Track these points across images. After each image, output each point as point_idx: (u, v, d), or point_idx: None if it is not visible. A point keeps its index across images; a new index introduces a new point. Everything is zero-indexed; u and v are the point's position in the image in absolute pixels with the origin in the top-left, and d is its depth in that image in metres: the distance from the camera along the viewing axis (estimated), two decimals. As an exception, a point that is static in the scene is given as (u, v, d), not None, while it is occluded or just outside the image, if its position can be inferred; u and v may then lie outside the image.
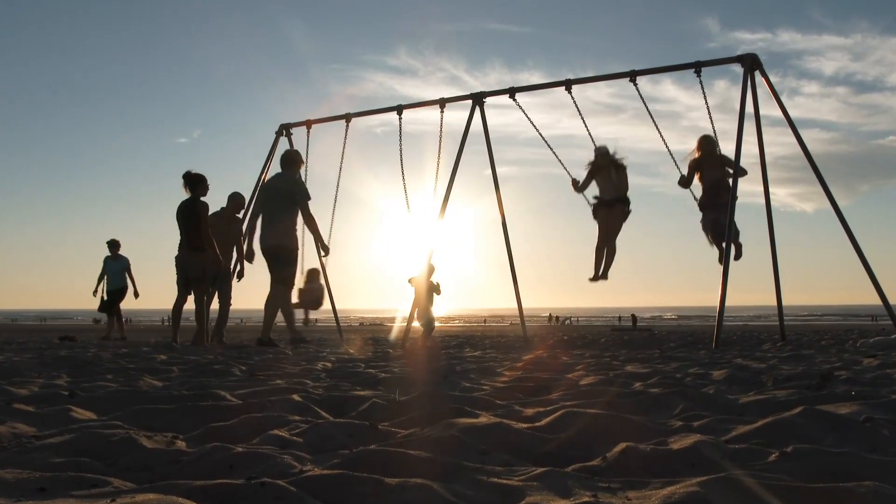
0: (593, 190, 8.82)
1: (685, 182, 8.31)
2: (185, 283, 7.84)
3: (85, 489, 1.43)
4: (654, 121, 8.31)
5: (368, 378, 3.67)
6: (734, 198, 7.46)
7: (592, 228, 8.73)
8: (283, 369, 4.29)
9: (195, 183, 7.80)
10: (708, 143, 8.19)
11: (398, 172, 9.36)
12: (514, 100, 8.74)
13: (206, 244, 7.72)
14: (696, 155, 8.27)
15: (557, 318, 50.03)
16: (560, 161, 8.80)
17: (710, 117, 8.06)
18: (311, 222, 7.88)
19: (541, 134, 8.60)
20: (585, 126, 8.56)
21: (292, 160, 8.05)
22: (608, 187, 8.66)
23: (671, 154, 8.28)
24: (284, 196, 7.75)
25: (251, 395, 2.91)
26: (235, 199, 9.01)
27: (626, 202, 8.64)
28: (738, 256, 7.77)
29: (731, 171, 7.78)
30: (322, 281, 10.34)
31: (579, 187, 8.82)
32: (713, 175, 8.13)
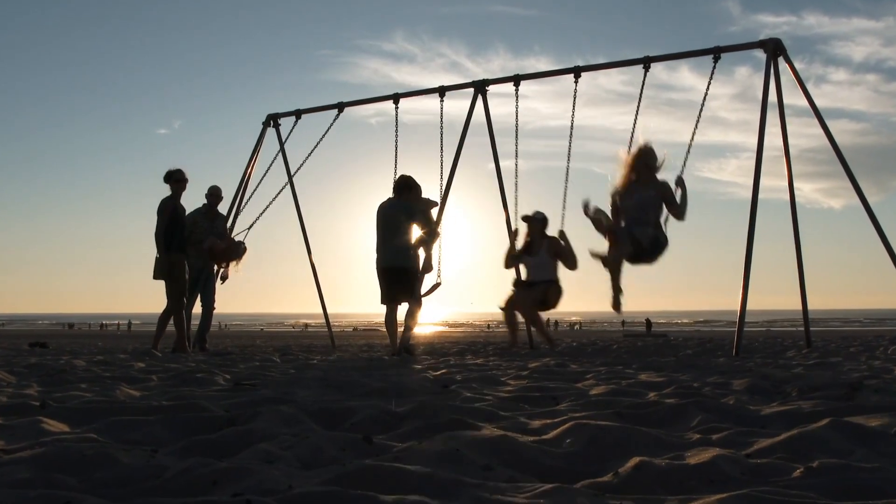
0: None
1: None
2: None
3: (57, 507, 1.43)
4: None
5: (363, 387, 3.67)
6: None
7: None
8: (270, 378, 4.29)
9: (173, 180, 7.94)
10: (645, 163, 7.03)
11: (394, 165, 9.36)
12: (518, 88, 8.73)
13: (158, 244, 7.78)
14: (627, 177, 7.06)
15: (556, 322, 50.38)
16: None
17: (704, 101, 7.44)
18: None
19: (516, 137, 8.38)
20: (571, 124, 8.47)
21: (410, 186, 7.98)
22: (536, 267, 8.18)
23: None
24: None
25: (236, 405, 2.91)
26: (214, 193, 9.02)
27: (555, 284, 8.07)
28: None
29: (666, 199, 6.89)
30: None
31: (508, 261, 8.28)
32: (643, 195, 6.97)
